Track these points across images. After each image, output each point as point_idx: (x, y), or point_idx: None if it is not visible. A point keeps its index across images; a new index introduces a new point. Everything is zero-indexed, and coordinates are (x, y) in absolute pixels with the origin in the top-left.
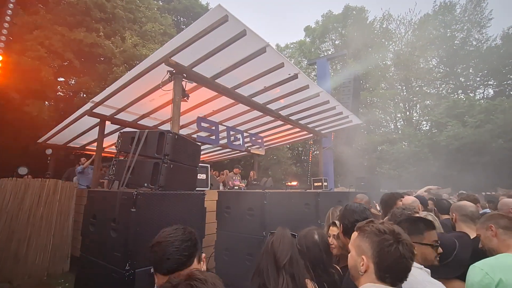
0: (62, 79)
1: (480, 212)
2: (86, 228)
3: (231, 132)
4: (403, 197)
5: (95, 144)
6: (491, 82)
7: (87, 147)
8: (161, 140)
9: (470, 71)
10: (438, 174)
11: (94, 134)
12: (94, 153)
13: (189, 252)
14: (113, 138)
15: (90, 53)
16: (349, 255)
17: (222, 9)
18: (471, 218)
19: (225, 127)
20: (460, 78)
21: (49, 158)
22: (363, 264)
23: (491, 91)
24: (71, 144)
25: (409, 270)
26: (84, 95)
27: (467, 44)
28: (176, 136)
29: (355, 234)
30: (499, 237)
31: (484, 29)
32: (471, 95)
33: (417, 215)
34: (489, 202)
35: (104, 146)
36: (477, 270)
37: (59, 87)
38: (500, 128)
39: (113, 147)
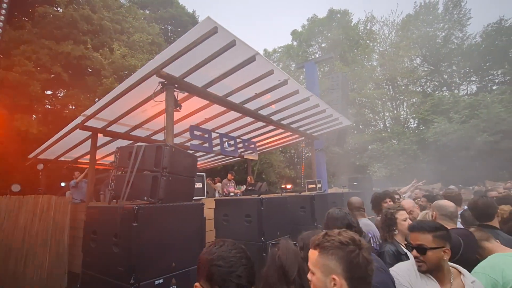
0: (50, 92)
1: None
2: (87, 244)
3: (224, 139)
4: (389, 198)
5: (88, 156)
6: (473, 79)
7: (79, 160)
8: (159, 153)
9: (453, 68)
10: (428, 170)
11: (86, 147)
12: (87, 166)
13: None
14: (106, 150)
15: (78, 65)
16: (313, 278)
17: (212, 21)
18: (450, 218)
19: (218, 134)
20: (444, 76)
21: (40, 173)
22: (335, 284)
23: (474, 87)
24: (62, 158)
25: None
26: (73, 107)
27: (449, 42)
28: (173, 149)
29: (315, 253)
30: (483, 246)
31: (464, 27)
32: (455, 91)
33: (401, 212)
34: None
35: (96, 158)
36: (478, 275)
37: (46, 100)
38: (484, 123)
39: (106, 159)
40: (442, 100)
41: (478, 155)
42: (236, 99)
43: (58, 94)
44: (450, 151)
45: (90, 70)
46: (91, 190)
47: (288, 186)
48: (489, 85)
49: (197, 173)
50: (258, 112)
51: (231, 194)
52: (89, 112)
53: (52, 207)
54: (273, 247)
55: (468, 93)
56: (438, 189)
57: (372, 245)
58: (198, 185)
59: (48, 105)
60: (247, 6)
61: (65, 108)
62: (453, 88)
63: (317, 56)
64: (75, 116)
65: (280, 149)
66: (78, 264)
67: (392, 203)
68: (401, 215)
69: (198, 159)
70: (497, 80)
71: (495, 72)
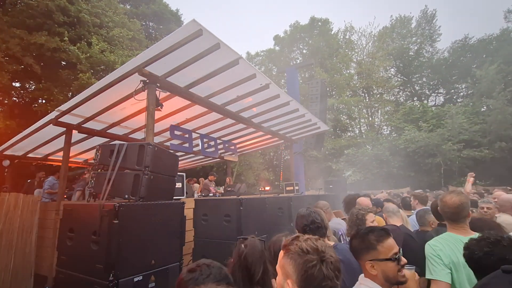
0: (18, 84)
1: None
2: (63, 243)
3: (205, 140)
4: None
5: (59, 154)
6: (441, 91)
7: (49, 157)
8: (141, 152)
9: (424, 80)
10: (398, 175)
11: (58, 143)
12: (58, 163)
13: None
14: (79, 148)
15: (52, 58)
16: (277, 278)
17: (197, 23)
18: (393, 213)
19: (199, 135)
20: (415, 86)
21: (6, 170)
22: None
23: (441, 99)
24: (31, 155)
25: None
26: (43, 101)
27: (420, 56)
28: (156, 148)
29: (281, 254)
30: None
31: (434, 42)
32: (425, 102)
33: (371, 214)
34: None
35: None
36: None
37: (14, 92)
38: (449, 132)
39: (79, 156)
40: (412, 109)
41: (443, 162)
42: (218, 100)
43: (28, 87)
44: (418, 157)
45: (64, 63)
46: (63, 188)
47: (267, 188)
48: (454, 97)
49: (178, 173)
50: (240, 114)
51: (210, 195)
52: (64, 107)
53: (19, 206)
54: (240, 243)
55: (436, 104)
56: (406, 192)
57: (342, 242)
58: (178, 184)
59: (15, 97)
60: (231, 7)
61: (35, 101)
62: (423, 98)
63: (298, 61)
64: (46, 110)
65: (260, 151)
66: (46, 265)
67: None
68: (370, 217)
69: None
70: (461, 93)
71: (459, 85)
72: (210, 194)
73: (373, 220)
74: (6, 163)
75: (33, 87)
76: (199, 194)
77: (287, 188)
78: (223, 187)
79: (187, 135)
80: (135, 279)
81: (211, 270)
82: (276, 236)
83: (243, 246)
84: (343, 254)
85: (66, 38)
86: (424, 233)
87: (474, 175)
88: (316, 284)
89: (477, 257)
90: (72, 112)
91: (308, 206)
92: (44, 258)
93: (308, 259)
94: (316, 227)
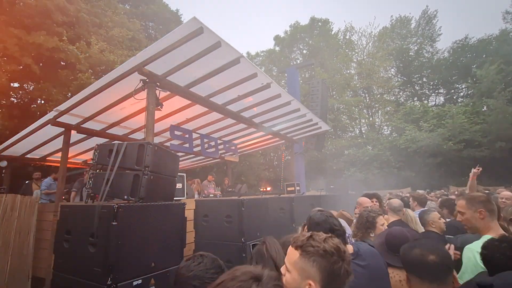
0: (17, 84)
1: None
2: (60, 245)
3: (205, 140)
4: (376, 199)
5: (58, 154)
6: (441, 91)
7: (48, 158)
8: (141, 151)
9: (424, 80)
10: (399, 175)
11: (57, 144)
12: (57, 164)
13: None
14: (79, 148)
15: (51, 58)
16: (287, 276)
17: (198, 21)
18: (393, 210)
19: (199, 135)
20: (416, 87)
21: (4, 171)
22: None
23: (441, 99)
24: (29, 155)
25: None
26: (42, 102)
27: (420, 56)
28: (156, 148)
29: (295, 254)
30: (486, 219)
31: (434, 43)
32: (425, 102)
33: (381, 217)
34: (442, 201)
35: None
36: (470, 252)
37: (12, 93)
38: (449, 132)
39: (78, 157)
40: (413, 109)
41: (444, 162)
42: (218, 100)
43: (27, 87)
44: (419, 158)
45: (63, 63)
46: (62, 189)
47: (268, 188)
48: (454, 97)
49: (178, 173)
50: (240, 114)
51: (210, 195)
52: (63, 107)
53: (17, 207)
54: (261, 244)
55: (436, 104)
56: (408, 193)
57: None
58: (178, 185)
59: (14, 98)
60: (231, 7)
61: (34, 102)
62: (423, 98)
63: (298, 62)
64: (44, 111)
65: (260, 152)
66: (43, 267)
67: (378, 204)
68: (381, 220)
69: None
70: (461, 93)
71: (460, 85)
72: (210, 195)
73: (383, 223)
74: (3, 164)
75: (31, 87)
76: (201, 195)
77: (288, 189)
78: (220, 188)
79: (187, 135)
80: (135, 283)
81: (203, 259)
82: (286, 237)
83: (264, 247)
84: None
85: (65, 38)
86: (427, 233)
87: (480, 169)
88: (341, 282)
89: (493, 258)
90: (70, 112)
91: (320, 209)
92: (42, 260)
93: (334, 261)
94: (337, 236)
